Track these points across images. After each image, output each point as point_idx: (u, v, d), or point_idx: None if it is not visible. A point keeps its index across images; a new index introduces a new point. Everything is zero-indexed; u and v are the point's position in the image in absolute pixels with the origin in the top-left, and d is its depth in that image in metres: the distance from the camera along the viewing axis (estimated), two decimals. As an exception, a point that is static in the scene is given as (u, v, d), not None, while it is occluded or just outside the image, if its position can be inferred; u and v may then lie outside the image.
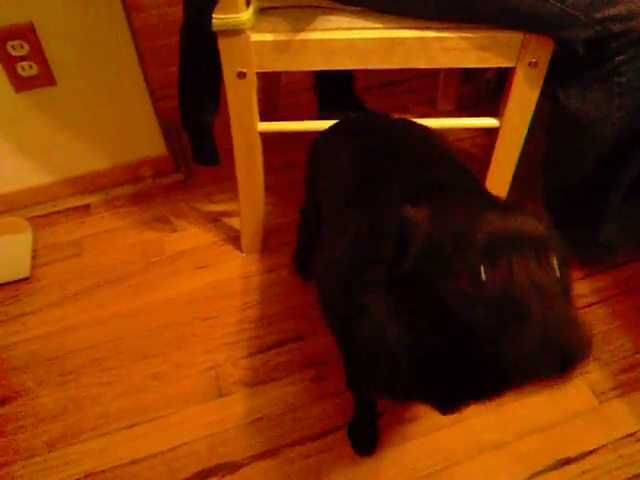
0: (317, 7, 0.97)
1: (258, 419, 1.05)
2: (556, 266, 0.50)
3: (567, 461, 1.00)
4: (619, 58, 0.93)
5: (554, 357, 0.45)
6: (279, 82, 1.59)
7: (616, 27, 0.90)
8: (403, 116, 1.60)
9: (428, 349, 0.55)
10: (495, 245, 0.49)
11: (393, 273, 0.56)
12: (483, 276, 0.48)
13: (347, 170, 0.85)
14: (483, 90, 1.65)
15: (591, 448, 1.01)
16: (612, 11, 0.89)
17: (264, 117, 1.07)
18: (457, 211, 0.55)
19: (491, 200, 0.63)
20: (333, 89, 1.22)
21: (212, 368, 1.13)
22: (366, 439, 1.02)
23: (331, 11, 0.96)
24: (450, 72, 1.57)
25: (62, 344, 1.18)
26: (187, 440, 1.03)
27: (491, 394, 0.60)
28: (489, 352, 0.48)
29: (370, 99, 1.62)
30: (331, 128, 0.98)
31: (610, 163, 1.06)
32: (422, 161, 0.81)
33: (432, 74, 1.69)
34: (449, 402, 0.65)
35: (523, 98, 0.99)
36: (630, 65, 0.94)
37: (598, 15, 0.89)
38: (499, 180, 1.14)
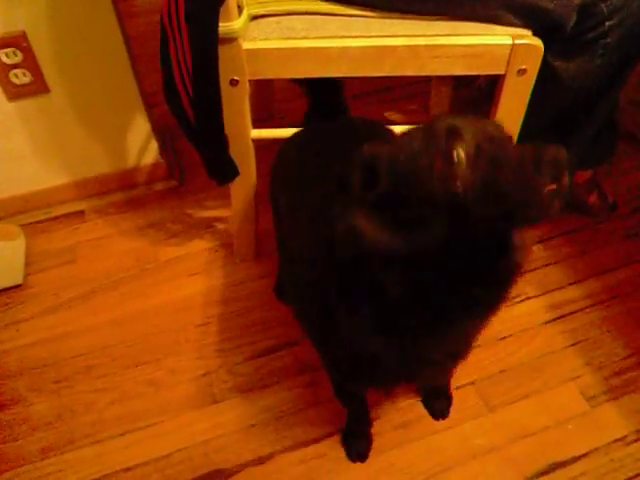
0: (310, 14, 0.98)
1: (252, 425, 1.06)
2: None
3: (559, 465, 1.01)
4: (609, 23, 0.98)
5: (546, 166, 0.48)
6: (273, 88, 1.60)
7: None
8: (394, 122, 1.61)
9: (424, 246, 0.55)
10: (456, 130, 0.52)
11: (369, 198, 0.56)
12: (455, 155, 0.50)
13: (304, 176, 0.89)
14: (476, 96, 1.66)
15: (582, 452, 1.02)
16: None
17: (258, 123, 1.08)
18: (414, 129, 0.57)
19: None
20: (322, 95, 1.23)
21: (206, 374, 1.13)
22: (360, 445, 1.02)
23: (324, 18, 0.97)
24: (442, 79, 1.57)
25: (56, 351, 1.18)
26: (181, 447, 1.03)
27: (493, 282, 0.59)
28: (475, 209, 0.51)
29: (363, 106, 1.64)
30: (290, 139, 1.01)
31: (580, 108, 1.14)
32: None
33: (425, 80, 1.70)
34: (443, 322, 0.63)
35: (513, 105, 1.00)
36: (616, 29, 0.99)
37: None
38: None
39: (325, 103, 1.19)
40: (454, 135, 0.51)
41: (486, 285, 0.58)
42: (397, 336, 0.64)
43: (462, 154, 0.50)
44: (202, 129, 0.99)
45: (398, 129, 1.02)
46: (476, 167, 0.50)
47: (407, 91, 1.74)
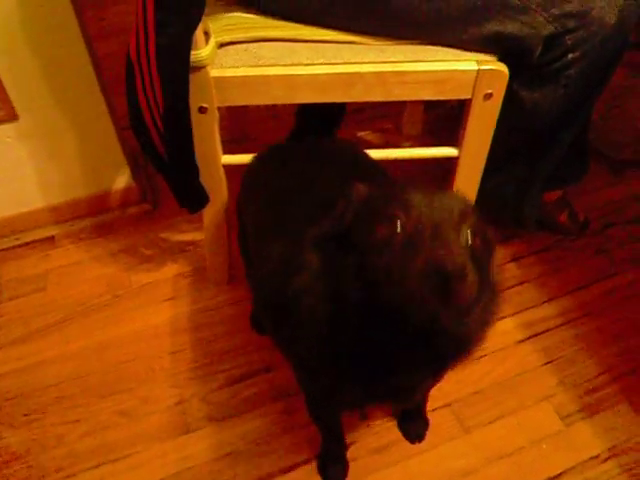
0: (278, 41, 0.98)
1: (227, 454, 1.04)
2: (468, 234, 0.54)
3: (535, 486, 1.01)
4: (572, 55, 1.00)
5: (434, 278, 0.48)
6: (246, 111, 1.60)
7: (571, 23, 0.96)
8: (368, 142, 1.63)
9: (351, 300, 0.58)
10: (413, 204, 0.55)
11: (330, 231, 0.61)
12: (398, 226, 0.53)
13: (272, 193, 0.91)
14: (447, 116, 1.68)
15: (557, 472, 1.03)
16: (567, 7, 0.95)
17: (232, 145, 1.08)
18: (389, 186, 0.63)
19: None
20: (321, 119, 1.23)
21: (179, 403, 1.11)
22: (335, 471, 1.01)
23: (292, 45, 0.98)
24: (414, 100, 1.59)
25: (26, 382, 1.15)
26: (154, 479, 1.01)
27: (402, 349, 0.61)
28: (386, 286, 0.53)
29: (337, 125, 1.64)
30: (257, 157, 1.02)
31: (547, 134, 1.15)
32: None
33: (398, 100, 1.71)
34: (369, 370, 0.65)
35: (480, 128, 1.02)
36: (580, 61, 1.01)
37: (555, 11, 0.95)
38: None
39: (320, 125, 1.20)
40: (404, 210, 0.54)
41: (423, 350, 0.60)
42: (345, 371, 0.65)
43: (401, 232, 0.53)
44: (173, 162, 0.99)
45: (375, 153, 1.03)
46: (402, 250, 0.52)
47: (380, 111, 1.76)
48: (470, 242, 0.54)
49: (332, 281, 0.59)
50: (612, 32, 0.98)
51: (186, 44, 0.85)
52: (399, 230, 0.53)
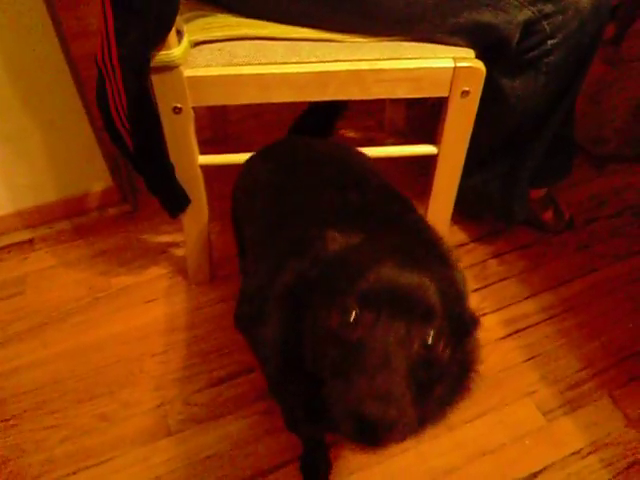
0: (253, 39, 0.97)
1: (208, 457, 1.03)
2: (429, 337, 0.51)
3: (517, 483, 1.01)
4: (551, 42, 1.01)
5: (356, 422, 0.46)
6: (226, 110, 1.59)
7: (548, 7, 0.97)
8: (351, 139, 1.62)
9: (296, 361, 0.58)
10: (375, 298, 0.51)
11: (296, 287, 0.60)
12: (350, 320, 0.51)
13: (267, 196, 0.88)
14: (429, 113, 1.67)
15: (540, 468, 1.03)
16: None
17: (212, 145, 1.07)
18: (368, 249, 0.58)
19: (413, 243, 0.65)
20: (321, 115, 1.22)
21: (161, 406, 1.10)
22: (318, 473, 1.01)
23: (267, 44, 0.97)
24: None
25: (3, 387, 1.13)
26: (134, 483, 1.01)
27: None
28: (327, 379, 0.52)
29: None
30: (252, 157, 1.00)
31: (530, 128, 1.16)
32: (343, 184, 0.82)
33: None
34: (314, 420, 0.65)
35: (458, 125, 1.01)
36: (559, 47, 1.01)
37: None
38: (441, 200, 1.16)
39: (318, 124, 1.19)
40: (360, 304, 0.52)
41: None
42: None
43: (350, 331, 0.51)
44: (144, 163, 0.98)
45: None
46: (346, 357, 0.51)
47: (363, 108, 1.75)
48: (432, 346, 0.51)
49: (286, 343, 0.60)
50: (589, 16, 0.99)
51: (146, 57, 0.85)
52: (350, 326, 0.51)
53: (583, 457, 1.04)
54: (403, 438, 0.49)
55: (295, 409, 0.68)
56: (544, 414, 1.09)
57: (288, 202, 0.83)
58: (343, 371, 0.50)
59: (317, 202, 0.78)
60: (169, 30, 0.85)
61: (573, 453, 1.05)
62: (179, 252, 1.37)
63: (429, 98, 1.68)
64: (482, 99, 1.01)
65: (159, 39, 0.85)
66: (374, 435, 0.46)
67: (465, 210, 1.39)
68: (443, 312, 0.52)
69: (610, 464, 1.03)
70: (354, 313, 0.51)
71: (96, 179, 1.40)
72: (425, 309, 0.51)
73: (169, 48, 0.88)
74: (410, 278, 0.52)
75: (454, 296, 0.55)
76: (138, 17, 0.81)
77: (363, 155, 1.00)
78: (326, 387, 0.53)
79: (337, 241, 0.60)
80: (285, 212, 0.81)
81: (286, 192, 0.85)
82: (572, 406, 1.10)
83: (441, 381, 0.55)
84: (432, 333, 0.51)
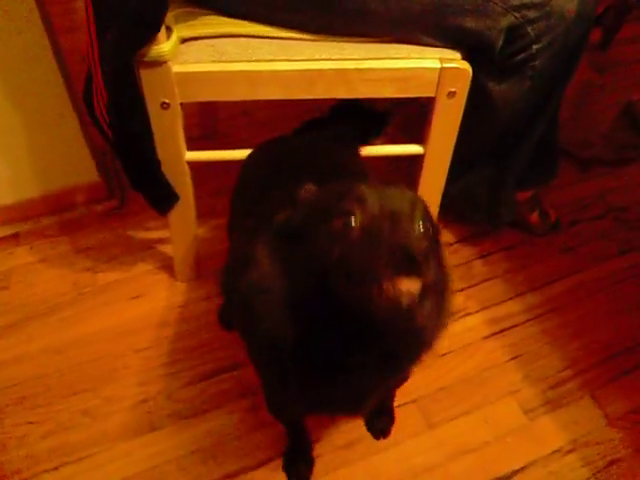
0: (242, 37, 0.98)
1: (191, 452, 1.04)
2: (420, 222, 0.55)
3: (499, 480, 1.02)
4: (536, 47, 1.02)
5: (396, 258, 0.48)
6: (215, 107, 1.58)
7: (532, 13, 0.98)
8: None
9: (303, 301, 0.58)
10: (366, 198, 0.55)
11: (279, 230, 0.61)
12: (353, 220, 0.53)
13: (249, 187, 0.91)
14: (417, 113, 1.68)
15: (521, 465, 1.04)
16: None
17: (201, 142, 1.07)
18: (339, 182, 0.61)
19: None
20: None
21: (145, 401, 1.10)
22: (300, 469, 1.01)
23: (256, 41, 0.97)
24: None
25: (-14, 382, 1.13)
26: (117, 479, 1.00)
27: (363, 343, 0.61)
28: (344, 281, 0.52)
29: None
30: (252, 153, 1.02)
31: (516, 131, 1.17)
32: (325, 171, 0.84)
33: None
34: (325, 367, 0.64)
35: (444, 126, 1.02)
36: (544, 52, 1.02)
37: (514, 2, 0.96)
38: (427, 200, 1.16)
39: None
40: (358, 203, 0.54)
41: (376, 352, 0.60)
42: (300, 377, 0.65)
43: (357, 224, 0.53)
44: (126, 160, 0.99)
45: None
46: (361, 241, 0.52)
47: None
48: (423, 229, 0.55)
49: (282, 277, 0.59)
50: (574, 21, 1.00)
51: (124, 53, 0.86)
52: (355, 222, 0.53)
53: (564, 455, 1.05)
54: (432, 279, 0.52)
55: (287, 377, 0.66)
56: (526, 413, 1.11)
57: (266, 188, 0.85)
58: (365, 244, 0.51)
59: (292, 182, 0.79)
60: (153, 31, 0.85)
61: (554, 451, 1.06)
62: (166, 249, 1.36)
63: (419, 99, 1.70)
64: (469, 103, 1.02)
65: (141, 40, 0.85)
66: (413, 270, 0.49)
67: (453, 212, 1.40)
68: (424, 207, 0.57)
69: (590, 463, 1.04)
70: (356, 209, 0.54)
71: (83, 174, 1.39)
72: (411, 198, 0.56)
73: (158, 43, 0.88)
74: (389, 187, 0.57)
75: (423, 202, 0.59)
76: (115, 17, 0.82)
77: (357, 156, 1.01)
78: (342, 271, 0.53)
79: (313, 187, 0.63)
80: (261, 196, 0.83)
81: (266, 181, 0.87)
82: (554, 405, 1.12)
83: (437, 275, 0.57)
84: (422, 218, 0.55)
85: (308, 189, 0.63)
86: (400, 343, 0.61)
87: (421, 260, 0.49)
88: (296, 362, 0.63)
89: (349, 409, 0.75)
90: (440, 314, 0.63)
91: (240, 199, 0.97)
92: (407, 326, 0.57)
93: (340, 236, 0.53)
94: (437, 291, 0.60)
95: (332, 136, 1.09)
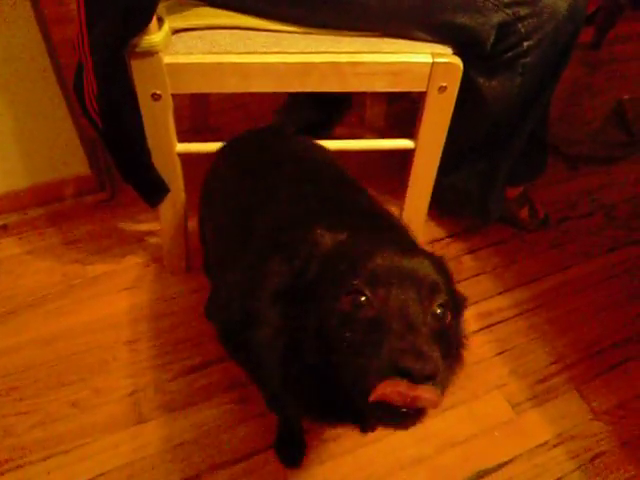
0: (234, 29, 0.98)
1: (179, 444, 1.04)
2: (437, 308, 0.53)
3: (485, 473, 1.03)
4: (527, 43, 1.03)
5: (397, 373, 0.46)
6: (207, 100, 1.58)
7: (523, 10, 0.99)
8: (332, 134, 1.62)
9: (305, 362, 0.58)
10: (382, 276, 0.52)
11: (291, 286, 0.60)
12: (362, 300, 0.52)
13: (227, 191, 0.90)
14: (409, 109, 1.69)
15: (507, 459, 1.05)
16: None
17: (193, 135, 1.07)
18: (360, 241, 0.59)
19: (395, 236, 0.66)
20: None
21: (133, 393, 1.10)
22: (293, 451, 1.02)
23: (249, 34, 0.97)
24: (376, 92, 1.60)
25: (-26, 374, 1.12)
26: (104, 470, 1.00)
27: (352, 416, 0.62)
28: (345, 363, 0.52)
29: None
30: (219, 151, 1.01)
31: (507, 127, 1.17)
32: (299, 177, 0.84)
33: (361, 93, 1.72)
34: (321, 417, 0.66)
35: (435, 120, 1.03)
36: (535, 49, 1.03)
37: None
38: (418, 194, 1.17)
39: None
40: (371, 284, 0.52)
41: None
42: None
43: (366, 308, 0.52)
44: (115, 151, 0.99)
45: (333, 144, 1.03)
46: (366, 329, 0.51)
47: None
48: (441, 316, 0.53)
49: (291, 338, 0.59)
50: (565, 19, 1.01)
51: (114, 44, 0.85)
52: (365, 306, 0.52)
53: (550, 449, 1.06)
54: (442, 392, 0.49)
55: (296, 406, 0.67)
56: (513, 407, 1.12)
57: (249, 198, 0.83)
58: (368, 343, 0.49)
59: (278, 196, 0.78)
60: (144, 21, 0.85)
61: (540, 445, 1.07)
62: (156, 241, 1.36)
63: (411, 93, 1.71)
64: (460, 99, 1.02)
65: (132, 30, 0.85)
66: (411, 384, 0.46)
67: (443, 208, 1.41)
68: (444, 287, 0.54)
69: (576, 456, 1.05)
70: (366, 291, 0.52)
71: (73, 166, 1.39)
72: (431, 282, 0.54)
73: (149, 34, 0.87)
74: (410, 259, 0.55)
75: (448, 275, 0.58)
76: (106, 6, 0.82)
77: (321, 147, 1.01)
78: (344, 368, 0.52)
79: (327, 237, 0.60)
80: (248, 208, 0.81)
81: (245, 187, 0.86)
82: (540, 399, 1.13)
83: (450, 352, 0.56)
84: (441, 303, 0.53)
85: (324, 239, 0.60)
86: None
87: (424, 379, 0.46)
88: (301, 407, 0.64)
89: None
90: (451, 366, 0.62)
91: (211, 201, 0.95)
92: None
93: (348, 318, 0.52)
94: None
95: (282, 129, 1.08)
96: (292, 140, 1.01)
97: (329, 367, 0.54)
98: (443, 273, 0.57)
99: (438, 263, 0.58)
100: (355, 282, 0.52)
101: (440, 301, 0.53)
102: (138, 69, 0.91)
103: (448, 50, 0.98)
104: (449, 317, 0.54)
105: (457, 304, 0.58)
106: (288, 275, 0.60)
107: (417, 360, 0.46)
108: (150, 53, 0.90)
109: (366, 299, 0.52)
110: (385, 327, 0.49)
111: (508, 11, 0.98)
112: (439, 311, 0.53)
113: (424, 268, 0.54)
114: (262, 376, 0.70)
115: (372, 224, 0.73)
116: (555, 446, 1.07)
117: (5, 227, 1.37)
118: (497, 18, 0.98)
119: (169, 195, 1.11)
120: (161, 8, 0.91)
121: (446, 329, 0.54)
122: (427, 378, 0.46)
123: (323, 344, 0.54)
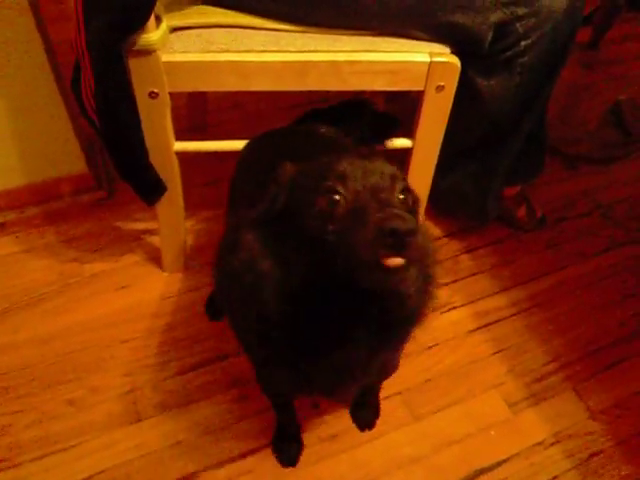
0: (232, 27, 0.98)
1: (177, 443, 1.04)
2: (400, 194, 0.58)
3: (482, 471, 1.03)
4: (525, 43, 1.03)
5: (386, 236, 0.50)
6: (205, 99, 1.58)
7: (521, 10, 0.99)
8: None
9: (295, 279, 0.60)
10: (349, 174, 0.57)
11: (265, 214, 0.63)
12: (337, 196, 0.56)
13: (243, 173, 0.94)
14: (407, 108, 1.69)
15: (504, 457, 1.05)
16: None
17: (191, 134, 1.07)
18: (320, 159, 0.63)
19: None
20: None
21: (130, 392, 1.10)
22: (290, 449, 1.02)
23: (246, 32, 0.97)
24: (374, 91, 1.60)
25: (-30, 372, 1.12)
26: (102, 469, 1.00)
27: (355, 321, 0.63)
28: (337, 254, 0.54)
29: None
30: (249, 143, 1.02)
31: (505, 126, 1.18)
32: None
33: (359, 92, 1.72)
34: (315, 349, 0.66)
35: (433, 119, 1.03)
36: (532, 48, 1.04)
37: None
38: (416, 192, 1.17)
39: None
40: (341, 181, 0.56)
41: (369, 324, 0.63)
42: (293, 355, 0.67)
43: (342, 202, 0.55)
44: (113, 149, 0.99)
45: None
46: (347, 219, 0.55)
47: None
48: (404, 201, 0.58)
49: (271, 256, 0.61)
50: (562, 19, 1.01)
51: (111, 41, 0.85)
52: (340, 200, 0.55)
53: (546, 448, 1.07)
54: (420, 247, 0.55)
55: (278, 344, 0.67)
56: (510, 406, 1.12)
57: (261, 178, 0.85)
58: (352, 226, 0.53)
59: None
60: (141, 19, 0.85)
61: (537, 444, 1.07)
62: (153, 240, 1.36)
63: (409, 93, 1.71)
64: (458, 99, 1.02)
65: (129, 28, 0.85)
66: (402, 242, 0.50)
67: (441, 207, 1.41)
68: (403, 178, 0.60)
69: (572, 455, 1.06)
70: (339, 187, 0.56)
71: (70, 164, 1.38)
72: (392, 173, 0.58)
73: (147, 32, 0.87)
74: (370, 159, 0.59)
75: (403, 172, 0.62)
76: (102, 5, 0.82)
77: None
78: (336, 251, 0.55)
79: (289, 166, 0.64)
80: (256, 185, 0.83)
81: (261, 171, 0.87)
82: (537, 398, 1.13)
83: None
84: (402, 189, 0.58)
85: (287, 168, 0.64)
86: (390, 311, 0.63)
87: (410, 232, 0.50)
88: (287, 339, 0.64)
89: (339, 388, 0.76)
90: (426, 281, 0.66)
91: (235, 189, 0.97)
92: (396, 291, 0.61)
93: (327, 214, 0.55)
94: (421, 260, 0.64)
95: (333, 130, 1.09)
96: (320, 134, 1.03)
97: (318, 269, 0.58)
98: (399, 169, 0.61)
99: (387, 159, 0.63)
100: (327, 183, 0.56)
101: (401, 187, 0.58)
102: (136, 67, 0.91)
103: (446, 49, 0.98)
104: (411, 201, 0.60)
105: (414, 199, 0.62)
106: (261, 207, 0.64)
107: (399, 220, 0.50)
108: (148, 51, 0.89)
109: (340, 195, 0.56)
110: (363, 210, 0.53)
111: (506, 10, 0.98)
112: (402, 196, 0.58)
113: (383, 164, 0.60)
114: (248, 316, 0.69)
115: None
116: (552, 445, 1.07)
117: (2, 225, 1.37)
118: (495, 17, 0.98)
119: (167, 194, 1.10)
120: (159, 6, 0.91)
121: (409, 210, 0.58)
122: (411, 232, 0.50)
123: (308, 248, 0.58)
